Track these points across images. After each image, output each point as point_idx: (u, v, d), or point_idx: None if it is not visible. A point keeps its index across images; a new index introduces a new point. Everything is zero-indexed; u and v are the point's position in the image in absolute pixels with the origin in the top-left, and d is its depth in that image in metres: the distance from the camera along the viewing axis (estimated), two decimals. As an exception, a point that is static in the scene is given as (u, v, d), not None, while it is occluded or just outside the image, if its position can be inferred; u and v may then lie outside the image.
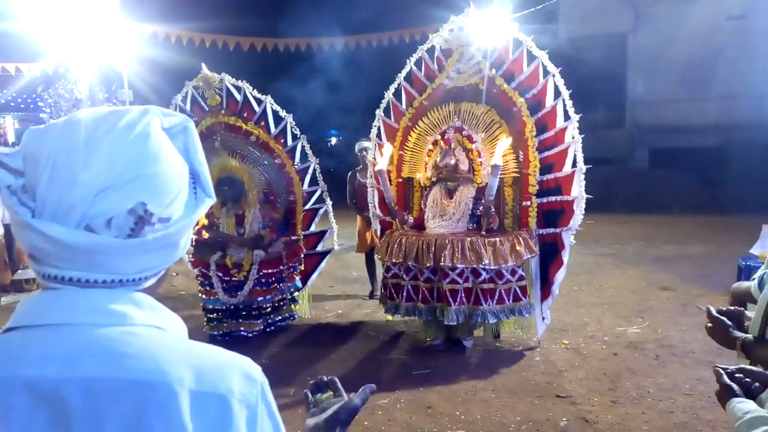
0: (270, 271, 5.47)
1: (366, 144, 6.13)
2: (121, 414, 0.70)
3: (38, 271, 0.76)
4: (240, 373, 0.77)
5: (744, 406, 1.30)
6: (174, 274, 8.35)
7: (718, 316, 1.87)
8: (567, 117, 4.87)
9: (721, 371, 1.40)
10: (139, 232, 0.74)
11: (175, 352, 0.75)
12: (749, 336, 1.77)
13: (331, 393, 1.05)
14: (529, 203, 4.94)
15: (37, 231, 0.71)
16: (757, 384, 1.37)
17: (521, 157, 4.97)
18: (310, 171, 5.87)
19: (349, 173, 6.79)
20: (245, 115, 5.68)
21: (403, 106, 5.55)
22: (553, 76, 4.87)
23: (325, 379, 1.08)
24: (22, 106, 14.19)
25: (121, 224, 0.73)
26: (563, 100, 4.86)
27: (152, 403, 0.70)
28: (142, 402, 0.70)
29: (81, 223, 0.72)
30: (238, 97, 5.66)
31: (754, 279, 2.16)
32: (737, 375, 1.38)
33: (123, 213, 0.73)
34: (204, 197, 0.84)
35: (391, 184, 5.34)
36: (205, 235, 5.45)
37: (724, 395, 1.36)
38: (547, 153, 4.91)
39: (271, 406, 0.79)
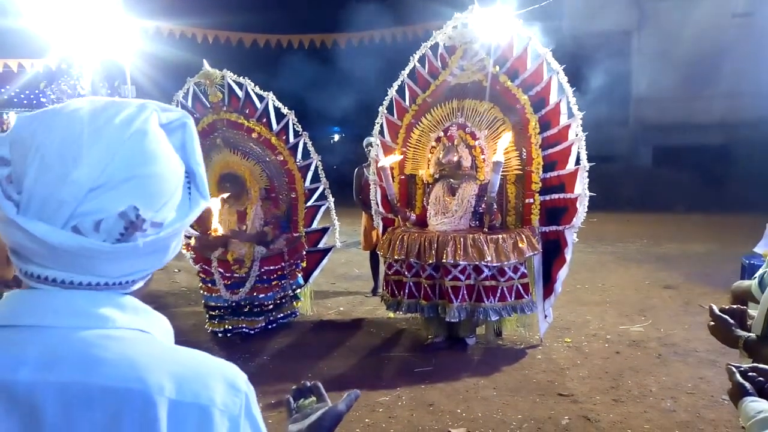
0: (272, 267, 5.47)
1: (373, 139, 6.09)
2: (95, 422, 0.67)
3: (20, 269, 0.73)
4: (223, 382, 0.73)
5: (757, 405, 1.27)
6: (176, 270, 8.36)
7: (721, 314, 1.85)
8: (570, 114, 4.86)
9: (734, 369, 1.37)
10: (129, 237, 0.70)
11: (155, 359, 0.72)
12: (752, 335, 1.75)
13: (314, 398, 1.02)
14: (532, 200, 4.92)
15: (21, 228, 0.67)
16: None
17: (524, 154, 4.95)
18: (312, 168, 5.87)
19: (356, 169, 6.76)
20: (247, 111, 5.67)
21: (407, 102, 5.53)
22: (557, 73, 4.86)
23: (308, 384, 1.04)
24: (25, 102, 14.18)
25: (111, 228, 0.69)
26: (567, 97, 4.84)
27: (128, 411, 0.67)
28: (118, 410, 0.67)
29: (68, 223, 0.68)
30: (240, 93, 5.65)
31: (754, 278, 2.15)
32: (750, 374, 1.35)
33: (113, 216, 0.69)
34: (198, 199, 0.79)
35: (393, 180, 5.33)
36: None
37: (737, 394, 1.33)
38: (550, 150, 4.90)
39: (256, 419, 0.75)
